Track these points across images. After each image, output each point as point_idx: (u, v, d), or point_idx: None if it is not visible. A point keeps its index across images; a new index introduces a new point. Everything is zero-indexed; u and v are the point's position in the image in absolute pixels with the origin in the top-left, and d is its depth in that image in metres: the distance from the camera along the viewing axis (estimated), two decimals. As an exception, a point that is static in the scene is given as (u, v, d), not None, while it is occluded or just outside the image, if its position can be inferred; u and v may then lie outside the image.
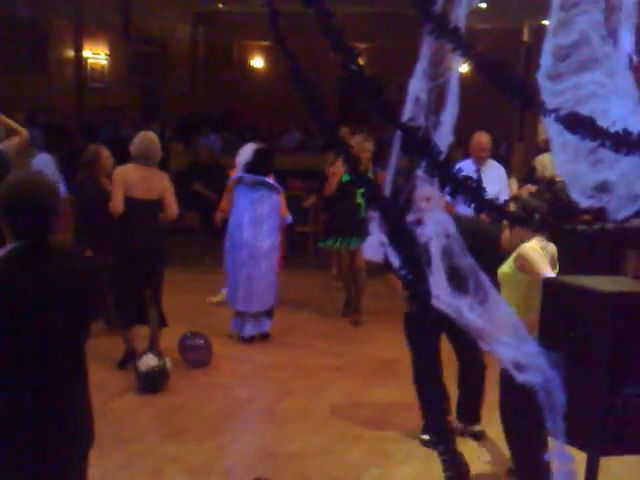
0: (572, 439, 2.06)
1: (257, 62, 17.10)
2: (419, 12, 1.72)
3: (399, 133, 1.79)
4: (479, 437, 4.87)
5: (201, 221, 11.48)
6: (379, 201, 1.80)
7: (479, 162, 6.72)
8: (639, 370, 2.06)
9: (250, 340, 6.82)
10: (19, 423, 2.39)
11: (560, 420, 1.99)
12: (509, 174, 13.35)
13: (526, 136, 12.60)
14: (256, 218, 6.65)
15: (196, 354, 6.20)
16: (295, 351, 6.68)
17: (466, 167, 5.89)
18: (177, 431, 5.00)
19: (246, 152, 6.80)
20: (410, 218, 1.92)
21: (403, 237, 1.79)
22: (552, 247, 3.95)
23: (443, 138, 1.92)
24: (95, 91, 14.87)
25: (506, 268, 3.90)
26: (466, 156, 7.36)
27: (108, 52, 15.14)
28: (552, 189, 4.96)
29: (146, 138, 6.06)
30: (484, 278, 1.98)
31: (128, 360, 5.89)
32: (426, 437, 4.45)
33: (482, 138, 6.80)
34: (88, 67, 14.82)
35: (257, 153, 6.73)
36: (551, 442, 2.08)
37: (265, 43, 16.64)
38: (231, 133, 14.46)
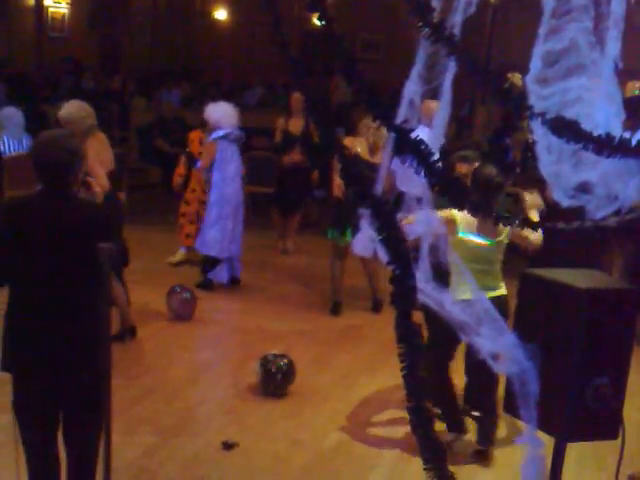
0: (543, 425, 2.18)
1: (220, 14, 16.73)
2: (417, 19, 1.75)
3: (393, 134, 1.83)
4: None
5: (163, 177, 11.41)
6: (370, 199, 1.85)
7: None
8: (608, 363, 2.18)
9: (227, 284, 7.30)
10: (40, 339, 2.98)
11: (533, 408, 2.10)
12: (469, 137, 13.38)
13: (489, 98, 12.58)
14: (236, 172, 7.16)
15: (184, 306, 6.44)
16: (259, 315, 6.74)
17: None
18: (145, 393, 5.05)
19: (224, 109, 7.14)
20: (400, 216, 1.98)
21: (392, 234, 1.85)
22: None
23: (435, 140, 1.97)
24: (55, 41, 14.47)
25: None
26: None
27: (69, 0, 14.68)
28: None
29: (82, 104, 5.74)
30: (468, 274, 2.06)
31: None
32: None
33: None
34: (49, 16, 14.39)
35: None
36: (524, 428, 2.20)
37: (229, -5, 16.27)
38: (192, 87, 14.24)
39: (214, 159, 7.11)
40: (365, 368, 5.63)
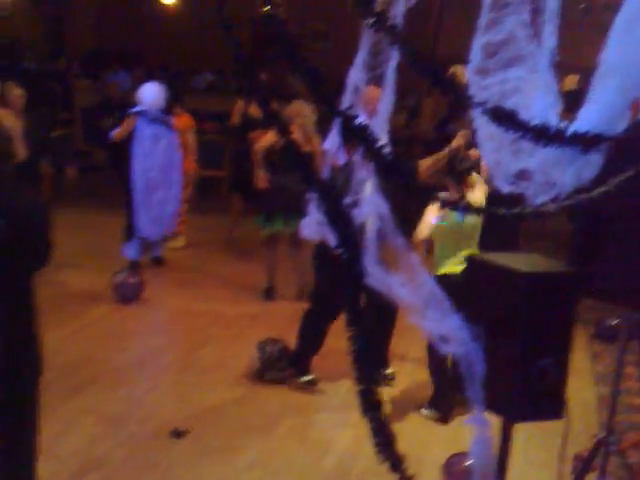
0: (491, 406, 2.25)
1: (168, -2, 16.48)
2: (360, 8, 1.77)
3: (338, 120, 1.85)
4: (391, 379, 5.24)
5: (109, 159, 11.27)
6: (317, 182, 1.87)
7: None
8: (552, 343, 2.25)
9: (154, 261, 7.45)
10: None
11: (479, 388, 2.17)
12: (417, 126, 13.47)
13: (435, 91, 12.61)
14: (155, 151, 7.11)
15: (131, 289, 6.46)
16: (209, 298, 6.73)
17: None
18: (89, 381, 4.97)
19: (151, 90, 7.19)
20: (347, 200, 2.02)
21: (340, 217, 1.88)
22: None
23: (379, 126, 2.01)
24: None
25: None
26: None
27: (10, -22, 14.27)
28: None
29: None
30: (414, 257, 2.11)
31: None
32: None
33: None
34: (-11, -7, 13.93)
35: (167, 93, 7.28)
36: (472, 408, 2.26)
37: (177, -22, 16.01)
38: (141, 71, 14.01)
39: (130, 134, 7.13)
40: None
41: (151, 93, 7.14)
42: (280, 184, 6.47)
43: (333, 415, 4.79)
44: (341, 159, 3.31)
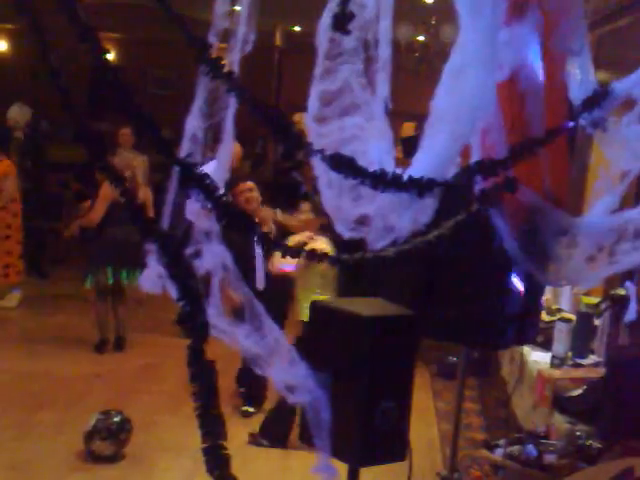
0: (336, 452, 2.23)
1: (1, 45, 15.81)
2: (197, 56, 1.76)
3: (177, 168, 1.81)
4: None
5: None
6: (156, 234, 1.81)
7: None
8: (395, 386, 2.29)
9: None
10: None
11: (326, 436, 2.15)
12: (263, 173, 13.69)
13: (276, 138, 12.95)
14: None
15: None
16: (48, 359, 6.37)
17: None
18: None
19: None
20: (188, 250, 1.97)
21: (181, 269, 1.83)
22: None
23: (219, 174, 1.99)
24: None
25: None
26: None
27: None
28: None
29: None
30: (259, 306, 2.09)
31: None
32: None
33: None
34: None
35: None
36: (318, 457, 2.24)
37: (9, 26, 15.39)
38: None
39: None
40: (165, 409, 5.47)
41: None
42: (109, 236, 6.34)
43: (182, 474, 4.61)
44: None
